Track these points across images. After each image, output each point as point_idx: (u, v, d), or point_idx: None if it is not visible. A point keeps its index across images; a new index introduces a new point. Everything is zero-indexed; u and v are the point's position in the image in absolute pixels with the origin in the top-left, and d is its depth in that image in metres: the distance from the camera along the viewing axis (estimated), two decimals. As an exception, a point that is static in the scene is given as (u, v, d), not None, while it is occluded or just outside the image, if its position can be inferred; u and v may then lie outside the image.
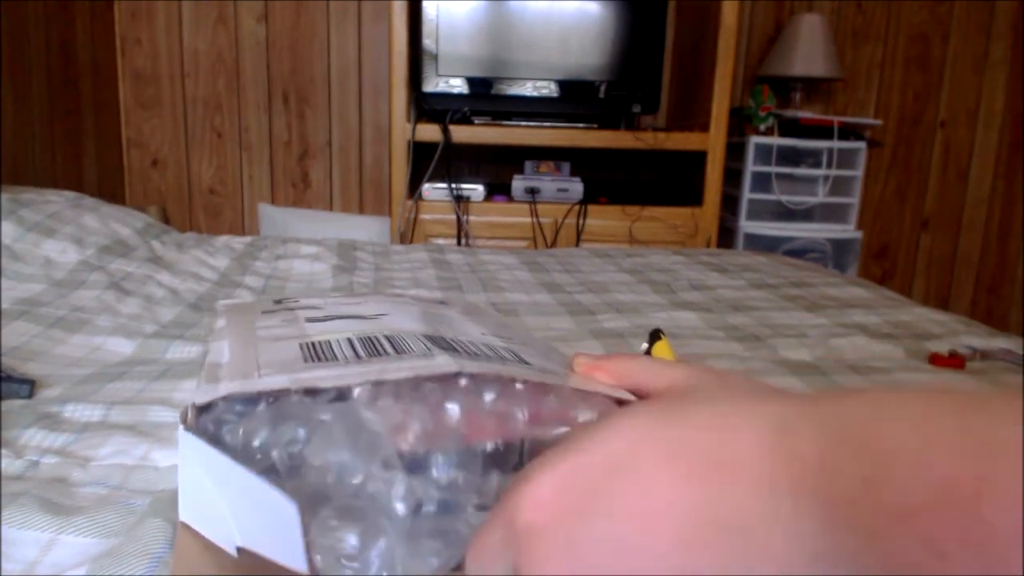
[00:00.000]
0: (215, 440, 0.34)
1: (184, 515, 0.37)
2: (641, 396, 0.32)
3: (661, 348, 0.53)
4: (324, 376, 0.35)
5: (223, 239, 1.36)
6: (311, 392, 0.35)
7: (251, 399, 0.35)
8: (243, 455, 0.32)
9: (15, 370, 0.64)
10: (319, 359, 0.38)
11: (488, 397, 0.33)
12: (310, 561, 0.30)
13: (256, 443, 0.33)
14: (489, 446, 0.32)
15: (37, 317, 0.81)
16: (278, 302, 0.50)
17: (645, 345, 0.53)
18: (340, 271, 1.19)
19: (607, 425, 0.25)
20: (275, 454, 0.33)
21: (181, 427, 0.34)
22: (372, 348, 0.39)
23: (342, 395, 0.34)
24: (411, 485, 0.31)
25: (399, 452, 0.32)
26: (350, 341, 0.40)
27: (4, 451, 0.50)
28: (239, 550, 0.34)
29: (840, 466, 0.20)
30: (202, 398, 0.35)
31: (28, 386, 0.61)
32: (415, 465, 0.32)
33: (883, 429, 0.20)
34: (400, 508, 0.31)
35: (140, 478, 0.49)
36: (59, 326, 0.80)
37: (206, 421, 0.35)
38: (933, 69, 2.54)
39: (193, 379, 0.68)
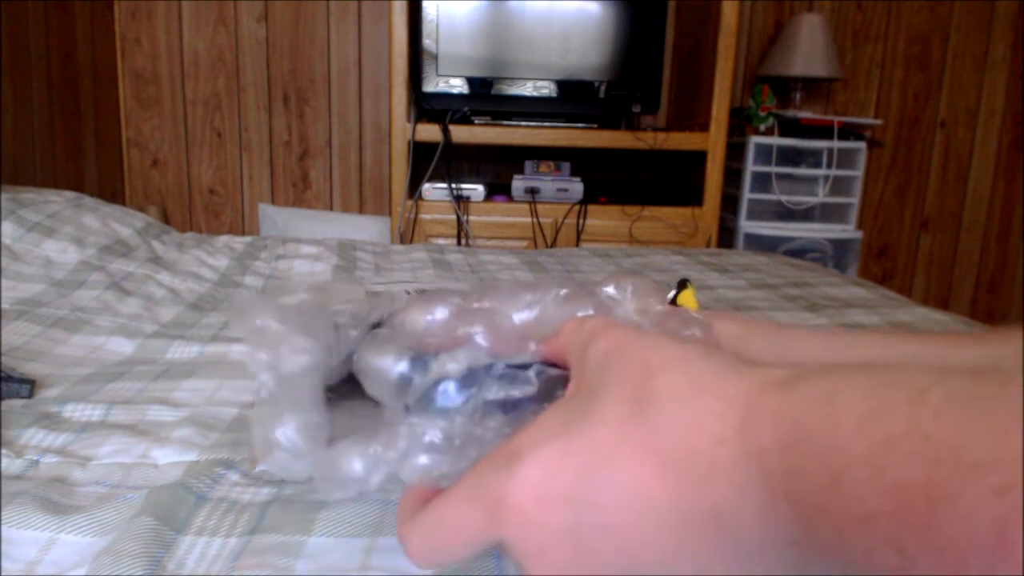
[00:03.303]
0: None
1: None
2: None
3: (686, 297, 0.55)
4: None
5: (223, 239, 1.36)
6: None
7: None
8: None
9: (15, 370, 0.64)
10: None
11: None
12: None
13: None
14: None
15: (37, 317, 0.81)
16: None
17: (672, 293, 0.53)
18: (340, 271, 1.19)
19: (588, 411, 0.25)
20: None
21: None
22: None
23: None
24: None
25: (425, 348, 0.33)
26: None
27: (4, 451, 0.50)
28: None
29: (801, 468, 0.20)
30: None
31: (28, 386, 0.61)
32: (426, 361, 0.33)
33: (837, 431, 0.20)
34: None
35: (140, 475, 0.49)
36: (59, 326, 0.80)
37: None
38: (933, 69, 2.54)
39: (193, 379, 0.67)
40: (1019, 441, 0.16)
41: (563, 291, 0.33)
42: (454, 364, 0.30)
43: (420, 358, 0.31)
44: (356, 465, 0.29)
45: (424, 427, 0.29)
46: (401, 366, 0.31)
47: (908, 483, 0.18)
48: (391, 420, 0.31)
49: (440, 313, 0.33)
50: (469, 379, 0.30)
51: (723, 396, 0.23)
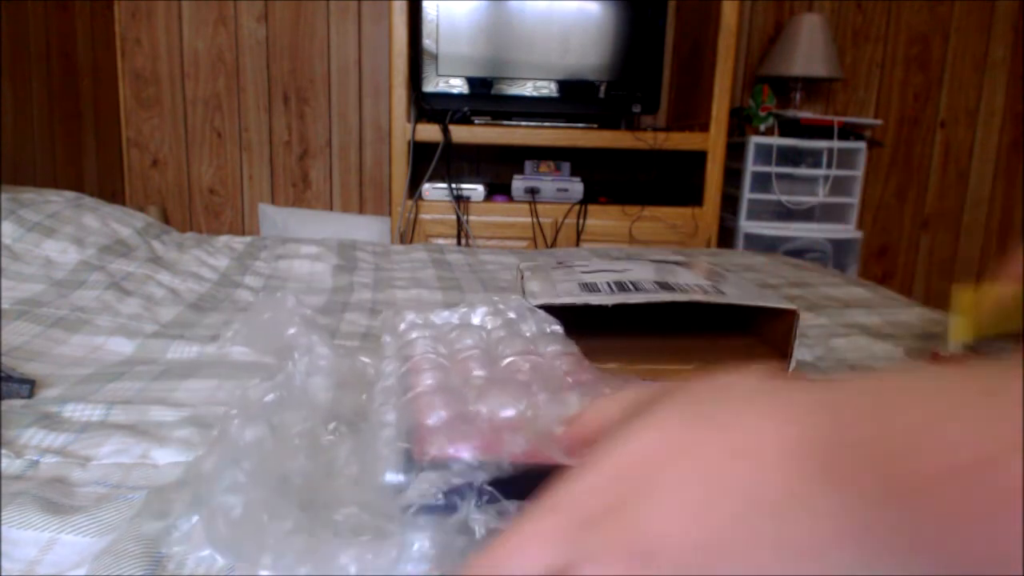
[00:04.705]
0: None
1: None
2: None
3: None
4: (592, 298, 0.63)
5: (223, 239, 1.36)
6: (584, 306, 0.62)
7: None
8: None
9: (15, 370, 0.64)
10: (591, 291, 0.64)
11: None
12: None
13: None
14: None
15: (37, 317, 0.81)
16: (560, 263, 0.83)
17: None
18: (340, 271, 1.19)
19: (648, 418, 0.27)
20: None
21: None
22: (621, 287, 0.65)
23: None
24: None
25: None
26: (608, 283, 0.67)
27: (4, 451, 0.50)
28: None
29: (860, 444, 0.21)
30: (534, 302, 0.63)
31: (28, 386, 0.61)
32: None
33: (895, 405, 0.21)
34: None
35: (139, 475, 0.49)
36: (59, 326, 0.80)
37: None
38: (933, 69, 2.54)
39: (194, 379, 0.67)
40: None
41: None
42: (441, 492, 0.33)
43: (414, 470, 0.34)
44: (351, 569, 0.30)
45: (413, 535, 0.32)
46: (396, 477, 0.34)
47: (967, 444, 0.19)
48: (386, 519, 0.33)
49: (436, 419, 0.37)
50: (456, 495, 0.33)
51: (772, 409, 0.24)
